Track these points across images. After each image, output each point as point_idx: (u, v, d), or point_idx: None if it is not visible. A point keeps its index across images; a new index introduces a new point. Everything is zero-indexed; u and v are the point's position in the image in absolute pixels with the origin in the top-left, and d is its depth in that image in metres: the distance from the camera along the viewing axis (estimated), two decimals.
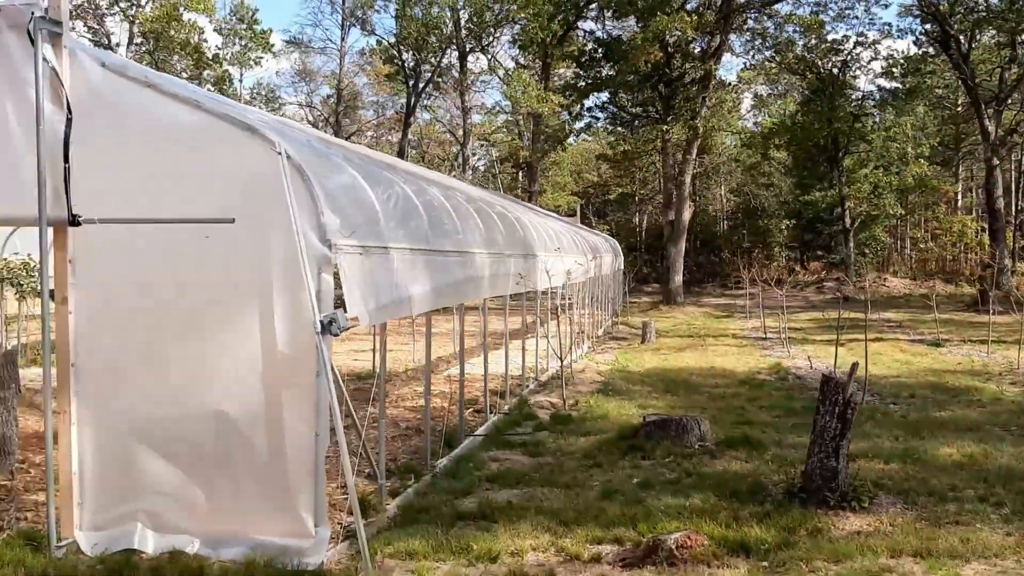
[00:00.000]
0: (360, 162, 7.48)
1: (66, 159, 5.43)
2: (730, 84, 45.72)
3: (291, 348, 5.50)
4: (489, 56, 43.09)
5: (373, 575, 5.09)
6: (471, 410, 10.23)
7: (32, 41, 5.32)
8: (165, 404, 5.61)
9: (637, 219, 55.11)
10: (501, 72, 42.48)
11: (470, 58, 43.05)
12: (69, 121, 5.47)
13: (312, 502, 5.45)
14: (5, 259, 16.32)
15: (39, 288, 17.07)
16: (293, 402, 5.47)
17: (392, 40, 43.42)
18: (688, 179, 36.21)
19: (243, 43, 46.15)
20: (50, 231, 5.48)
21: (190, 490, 5.62)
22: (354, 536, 5.75)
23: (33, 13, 5.31)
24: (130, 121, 5.62)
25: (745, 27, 38.12)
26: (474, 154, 53.19)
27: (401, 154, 40.90)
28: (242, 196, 5.61)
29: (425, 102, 47.68)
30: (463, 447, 8.53)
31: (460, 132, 46.41)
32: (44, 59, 5.39)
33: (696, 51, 35.71)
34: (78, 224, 5.46)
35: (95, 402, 5.65)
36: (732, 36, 37.49)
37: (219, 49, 45.00)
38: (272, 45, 47.31)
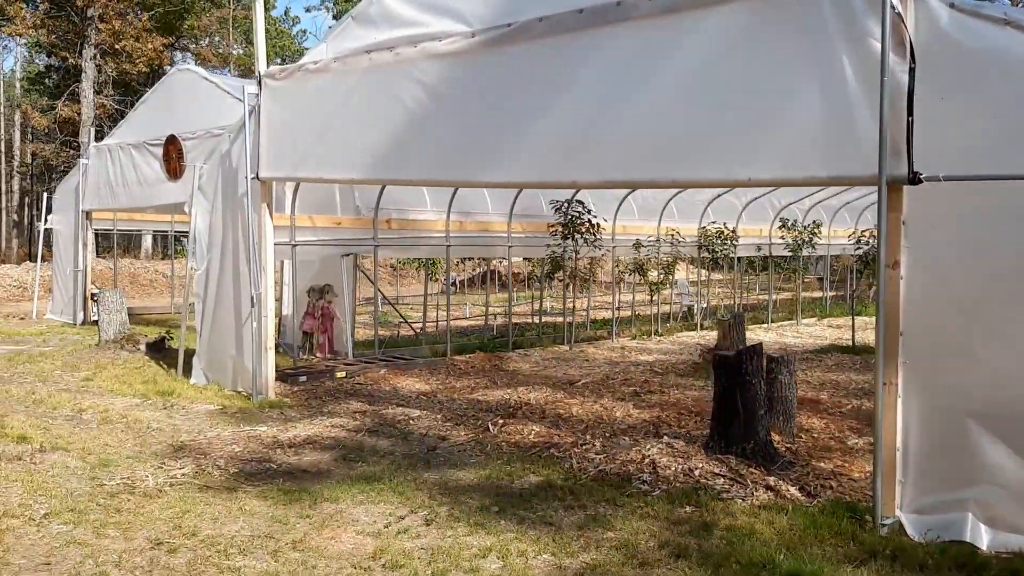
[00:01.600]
0: None
1: (909, 112, 5.03)
2: None
3: None
4: None
5: None
6: None
7: None
8: (1012, 385, 4.91)
9: None
10: None
11: None
12: (912, 71, 5.05)
13: None
14: (703, 227, 17.54)
15: (732, 256, 18.03)
16: None
17: None
18: None
19: None
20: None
21: None
22: None
23: None
24: (981, 66, 4.97)
25: None
26: None
27: None
28: None
29: None
30: None
31: None
32: (891, 6, 5.05)
33: None
34: (918, 182, 5.03)
35: (924, 376, 5.20)
36: None
37: None
38: None
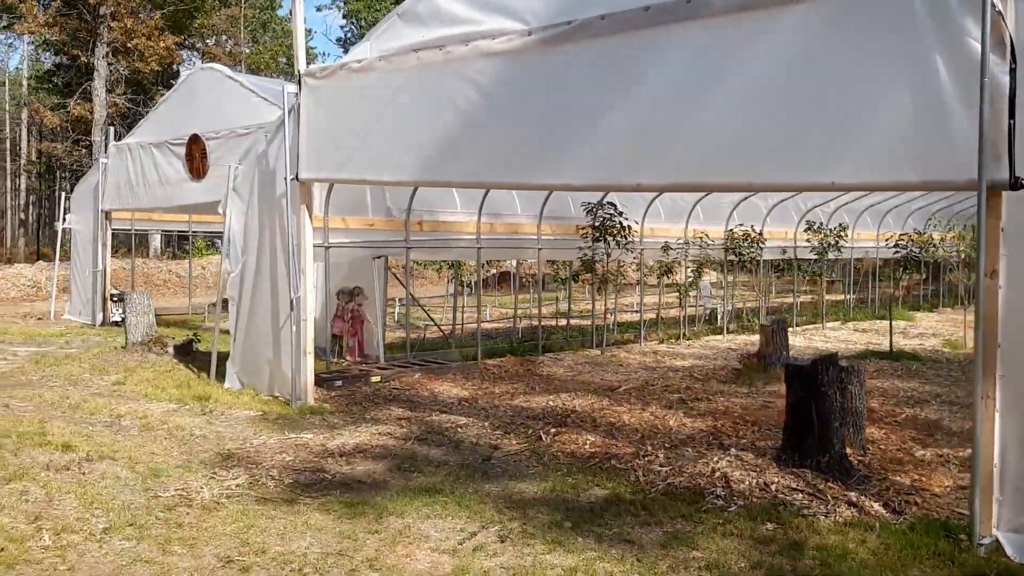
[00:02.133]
0: None
1: (1011, 114, 4.82)
2: None
3: None
4: None
5: None
6: None
7: None
8: None
9: None
10: None
11: None
12: (1013, 71, 4.84)
13: None
14: (730, 230, 17.32)
15: (758, 258, 17.78)
16: None
17: None
18: None
19: None
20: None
21: None
22: None
23: None
24: None
25: None
26: None
27: None
28: None
29: None
30: None
31: None
32: (992, 3, 4.84)
33: None
34: (1020, 188, 4.83)
35: (1022, 389, 5.00)
36: None
37: None
38: None
